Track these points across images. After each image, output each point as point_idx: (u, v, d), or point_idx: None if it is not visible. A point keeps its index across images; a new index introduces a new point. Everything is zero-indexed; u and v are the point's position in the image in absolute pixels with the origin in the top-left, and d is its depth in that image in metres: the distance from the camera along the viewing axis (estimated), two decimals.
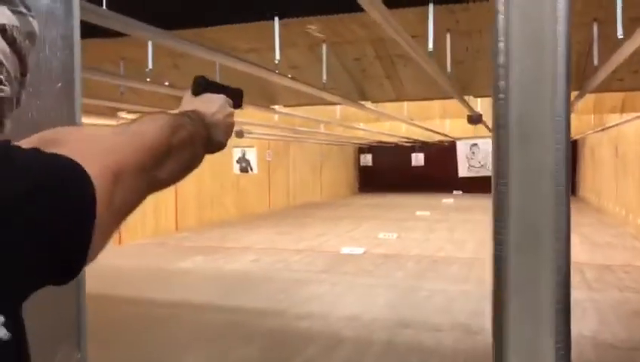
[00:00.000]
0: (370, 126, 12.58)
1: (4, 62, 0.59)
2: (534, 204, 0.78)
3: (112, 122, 7.85)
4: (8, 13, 0.59)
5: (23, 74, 0.65)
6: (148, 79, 4.60)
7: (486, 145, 8.83)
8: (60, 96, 1.60)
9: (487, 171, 8.88)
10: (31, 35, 0.64)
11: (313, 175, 19.48)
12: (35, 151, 0.58)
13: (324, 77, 5.17)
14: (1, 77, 0.59)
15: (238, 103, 1.08)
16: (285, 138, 13.70)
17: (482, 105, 8.75)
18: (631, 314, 5.15)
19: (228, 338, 4.58)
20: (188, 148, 0.83)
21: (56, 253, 0.55)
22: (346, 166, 23.43)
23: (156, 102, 6.70)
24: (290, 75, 4.63)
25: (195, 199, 12.00)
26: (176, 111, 0.99)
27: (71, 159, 0.59)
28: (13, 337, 0.51)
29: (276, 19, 4.10)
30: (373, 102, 6.62)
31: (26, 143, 0.63)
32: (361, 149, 23.35)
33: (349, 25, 4.62)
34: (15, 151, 0.56)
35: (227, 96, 1.04)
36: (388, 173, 23.70)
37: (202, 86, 1.02)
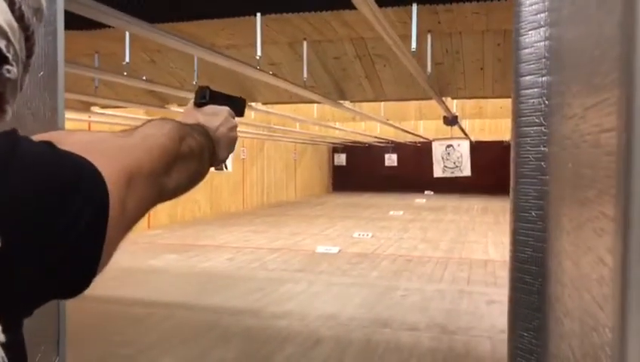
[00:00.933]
0: (346, 125, 12.61)
1: (12, 39, 0.53)
2: None
3: (85, 117, 7.66)
4: None
5: (29, 55, 0.59)
6: (125, 73, 4.49)
7: (461, 146, 8.93)
8: (41, 85, 1.53)
9: (461, 172, 9.00)
10: (39, 12, 0.58)
11: (287, 174, 19.43)
12: (48, 146, 0.53)
13: (305, 75, 5.14)
14: (8, 55, 0.53)
15: (240, 112, 1.05)
16: (260, 136, 13.62)
17: (457, 107, 8.85)
18: None
19: (205, 338, 4.52)
20: (195, 157, 0.79)
21: (66, 263, 0.50)
22: (319, 165, 23.45)
23: (131, 97, 6.57)
24: (270, 72, 4.58)
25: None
26: (179, 120, 0.96)
27: (85, 158, 0.53)
28: (13, 355, 0.46)
29: (258, 15, 4.06)
30: (352, 101, 6.62)
31: None
32: (335, 149, 23.42)
33: (330, 23, 4.60)
34: (25, 144, 0.51)
35: (230, 106, 1.01)
36: (361, 172, 23.82)
37: (206, 97, 0.97)
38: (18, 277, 0.46)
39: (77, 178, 0.52)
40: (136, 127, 0.74)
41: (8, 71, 0.53)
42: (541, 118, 0.89)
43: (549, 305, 0.80)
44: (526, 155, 0.93)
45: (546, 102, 0.87)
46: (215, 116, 0.94)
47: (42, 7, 0.59)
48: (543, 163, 0.90)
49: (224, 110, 0.97)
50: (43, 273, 0.48)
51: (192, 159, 0.78)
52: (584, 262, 0.49)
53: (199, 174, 0.82)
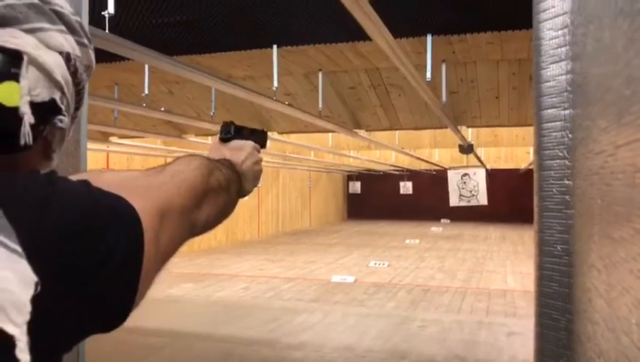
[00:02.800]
0: (360, 154, 12.64)
1: (66, 91, 0.57)
2: None
3: (104, 146, 7.78)
4: (73, 43, 0.58)
5: (77, 107, 0.62)
6: (144, 104, 4.57)
7: (476, 175, 8.87)
8: None
9: (478, 201, 8.92)
10: (89, 68, 0.62)
11: (302, 202, 19.44)
12: (84, 185, 0.54)
13: (320, 105, 5.18)
14: (62, 106, 0.56)
15: (263, 144, 1.08)
16: (276, 164, 13.69)
17: (472, 135, 8.84)
18: None
19: None
20: (224, 192, 0.81)
21: (103, 300, 0.51)
22: (334, 193, 23.44)
23: (149, 127, 6.67)
24: (286, 103, 4.63)
25: None
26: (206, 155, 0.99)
27: (120, 196, 0.55)
28: None
29: (275, 47, 4.12)
30: (367, 130, 6.64)
31: None
32: (350, 177, 23.43)
33: (345, 53, 4.66)
34: (64, 184, 0.53)
35: (253, 139, 1.03)
36: (376, 200, 23.75)
37: (231, 132, 1.00)
38: (57, 316, 0.47)
39: (113, 215, 0.53)
40: (166, 165, 0.76)
41: (61, 121, 0.56)
42: (564, 152, 0.88)
43: (579, 344, 0.78)
44: (549, 189, 0.92)
45: (570, 135, 0.87)
46: (240, 150, 0.97)
47: (92, 65, 0.62)
48: (567, 196, 0.88)
49: (249, 144, 0.99)
50: (81, 310, 0.49)
51: (220, 193, 0.80)
52: (620, 303, 0.48)
53: (228, 207, 0.84)
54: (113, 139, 7.14)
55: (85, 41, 0.60)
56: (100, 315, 0.52)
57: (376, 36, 2.28)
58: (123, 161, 10.20)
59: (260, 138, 1.04)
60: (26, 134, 0.52)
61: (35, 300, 0.44)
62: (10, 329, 0.42)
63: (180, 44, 3.87)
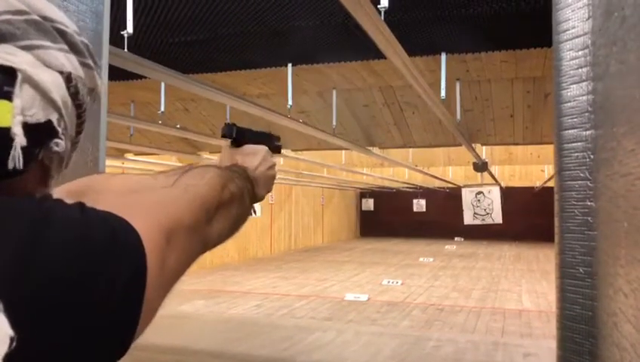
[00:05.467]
0: (374, 171, 12.64)
1: (64, 113, 0.52)
2: None
3: (119, 163, 7.86)
4: (76, 63, 0.54)
5: (78, 132, 0.58)
6: (160, 121, 4.62)
7: (491, 193, 8.80)
8: (84, 136, 1.57)
9: (492, 219, 8.84)
10: (94, 92, 0.58)
11: (315, 219, 19.41)
12: (79, 211, 0.49)
13: (334, 122, 5.20)
14: (59, 129, 0.52)
15: (277, 148, 1.04)
16: (289, 181, 13.72)
17: (487, 153, 8.80)
18: None
19: None
20: (237, 203, 0.77)
21: (101, 342, 0.46)
22: (347, 210, 23.38)
23: (164, 144, 6.73)
24: (300, 120, 4.65)
25: None
26: (216, 162, 0.95)
27: (120, 219, 0.50)
28: None
29: (289, 65, 4.16)
30: (380, 148, 6.64)
31: (55, 193, 0.56)
32: (363, 194, 23.38)
33: (359, 72, 4.68)
34: (56, 214, 0.47)
35: (267, 143, 1.00)
36: (389, 218, 23.64)
37: (233, 134, 0.96)
38: (54, 358, 0.42)
39: (111, 244, 0.48)
40: (178, 174, 0.72)
41: (57, 144, 0.52)
42: (586, 173, 0.87)
43: None
44: (571, 210, 0.91)
45: (592, 156, 0.86)
46: (254, 156, 0.94)
47: (98, 89, 0.59)
48: (589, 218, 0.87)
49: (262, 148, 0.96)
50: (75, 355, 0.44)
51: (233, 204, 0.76)
52: None
53: (241, 218, 0.80)
54: (128, 155, 7.21)
55: (90, 62, 0.57)
56: (97, 355, 0.47)
57: (391, 55, 2.29)
58: (143, 174, 10.27)
59: (267, 141, 1.01)
60: (15, 157, 0.47)
61: (10, 358, 0.38)
62: None
63: (195, 62, 3.92)
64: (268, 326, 6.71)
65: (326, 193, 20.25)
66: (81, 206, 0.49)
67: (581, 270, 0.89)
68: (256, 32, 3.30)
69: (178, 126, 4.99)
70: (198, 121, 6.10)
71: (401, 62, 2.42)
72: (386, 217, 23.63)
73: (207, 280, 10.36)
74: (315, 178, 12.81)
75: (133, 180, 0.80)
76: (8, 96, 0.47)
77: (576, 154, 0.90)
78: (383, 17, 2.05)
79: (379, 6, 2.12)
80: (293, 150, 6.76)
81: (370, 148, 6.39)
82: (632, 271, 0.57)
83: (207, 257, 12.45)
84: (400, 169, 12.61)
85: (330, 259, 14.81)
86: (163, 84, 4.52)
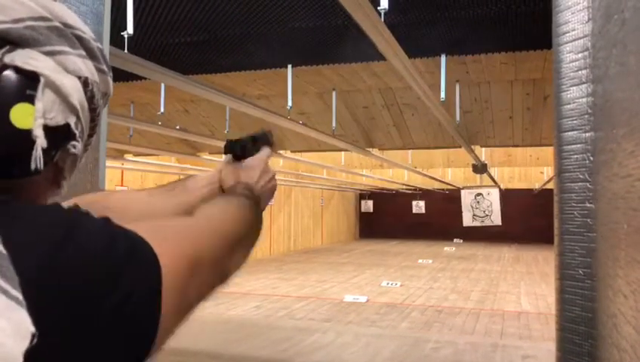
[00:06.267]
0: (373, 172, 12.64)
1: (82, 116, 0.55)
2: None
3: (118, 164, 7.86)
4: (93, 68, 0.56)
5: (91, 135, 0.60)
6: (159, 122, 4.62)
7: (490, 195, 8.81)
8: None
9: (492, 221, 8.84)
10: (106, 96, 0.60)
11: (314, 220, 19.41)
12: (104, 224, 0.50)
13: (334, 124, 5.21)
14: (76, 132, 0.54)
15: (271, 145, 1.02)
16: (288, 183, 13.72)
17: (486, 155, 8.81)
18: None
19: None
20: (252, 232, 0.78)
21: (115, 353, 0.47)
22: (346, 212, 23.38)
23: (164, 145, 6.73)
24: (300, 122, 4.65)
25: None
26: (217, 172, 0.95)
27: (141, 238, 0.51)
28: None
29: (289, 66, 4.16)
30: (380, 149, 6.65)
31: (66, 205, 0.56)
32: (362, 195, 23.39)
33: (359, 73, 4.69)
34: (83, 225, 0.49)
35: (266, 145, 0.99)
36: (389, 219, 23.65)
37: (238, 152, 0.95)
38: (69, 358, 0.44)
39: (130, 258, 0.49)
40: (199, 201, 0.74)
41: (74, 146, 0.54)
42: (586, 174, 0.87)
43: None
44: (570, 211, 0.91)
45: (591, 158, 0.86)
46: (253, 170, 0.93)
47: (110, 92, 0.61)
48: (589, 220, 0.88)
49: (261, 161, 0.95)
50: (96, 353, 0.45)
51: (250, 236, 0.77)
52: None
53: (253, 246, 0.81)
54: (128, 156, 7.21)
55: (104, 67, 0.59)
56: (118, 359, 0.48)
57: (391, 56, 2.30)
58: (137, 178, 10.28)
59: (266, 142, 0.99)
60: (37, 158, 0.50)
61: (30, 353, 0.40)
62: None
63: (195, 63, 3.92)
64: (267, 327, 6.70)
65: (325, 194, 20.25)
66: (106, 220, 0.51)
67: (580, 271, 0.89)
68: (256, 34, 3.30)
69: (178, 127, 4.99)
70: (197, 122, 6.10)
71: (401, 64, 2.42)
72: (386, 219, 23.63)
73: None
74: (314, 179, 12.82)
75: (149, 200, 0.82)
76: (31, 100, 0.49)
77: (575, 156, 0.90)
78: (382, 19, 2.06)
79: (379, 7, 2.13)
80: (292, 151, 6.76)
81: (370, 149, 6.40)
82: (632, 272, 0.57)
83: None
84: (399, 170, 12.62)
85: (330, 260, 14.80)
86: (163, 85, 4.52)
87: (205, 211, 0.70)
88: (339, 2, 1.72)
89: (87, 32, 0.56)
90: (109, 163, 7.45)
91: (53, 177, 0.56)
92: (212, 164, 8.11)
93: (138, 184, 10.34)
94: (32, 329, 0.40)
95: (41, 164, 0.50)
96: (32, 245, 0.44)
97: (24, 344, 0.39)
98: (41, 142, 0.50)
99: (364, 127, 6.04)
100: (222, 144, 1.02)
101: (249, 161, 0.95)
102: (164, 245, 0.52)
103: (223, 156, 0.99)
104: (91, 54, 0.56)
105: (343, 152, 8.65)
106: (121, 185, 9.81)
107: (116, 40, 2.68)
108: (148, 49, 3.40)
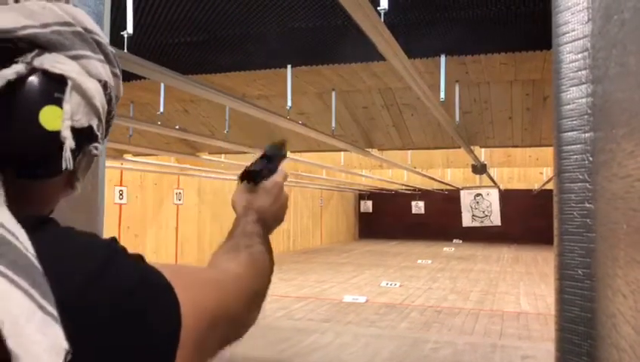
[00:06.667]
0: (372, 173, 12.64)
1: (102, 119, 0.56)
2: None
3: (118, 164, 7.85)
4: (109, 72, 0.57)
5: (104, 136, 0.61)
6: (159, 122, 4.62)
7: (490, 195, 8.81)
8: None
9: (491, 222, 8.84)
10: (117, 99, 0.62)
11: (314, 220, 19.41)
12: (138, 262, 0.53)
13: (333, 124, 5.20)
14: (98, 134, 0.55)
15: (284, 156, 1.00)
16: (287, 183, 13.69)
17: (485, 155, 8.81)
18: None
19: None
20: (267, 278, 0.80)
21: None
22: (346, 212, 23.38)
23: (163, 145, 6.73)
24: (299, 122, 4.65)
25: (195, 242, 11.90)
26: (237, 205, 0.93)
27: (167, 281, 0.53)
28: None
29: (289, 67, 4.16)
30: (379, 150, 6.65)
31: None
32: (362, 196, 23.39)
33: (359, 74, 4.69)
34: (119, 259, 0.51)
35: (280, 162, 0.96)
36: (388, 220, 23.65)
37: (261, 176, 0.92)
38: None
39: (156, 296, 0.51)
40: (232, 255, 0.76)
41: (96, 148, 0.55)
42: (585, 175, 0.87)
43: None
44: (570, 212, 0.91)
45: (591, 158, 0.86)
46: (267, 195, 0.91)
47: (120, 96, 0.62)
48: (588, 220, 0.88)
49: (276, 185, 0.92)
50: None
51: (266, 286, 0.79)
52: None
53: (266, 293, 0.82)
54: (127, 156, 7.21)
55: (118, 71, 0.60)
56: None
57: (391, 56, 2.30)
58: (136, 178, 10.28)
59: (279, 155, 0.97)
60: (67, 159, 0.51)
61: None
62: None
63: (195, 63, 3.92)
64: (266, 327, 6.70)
65: (325, 195, 20.25)
66: (141, 257, 0.54)
67: (580, 271, 0.89)
68: (256, 34, 3.30)
69: (177, 127, 4.99)
70: (197, 122, 6.10)
71: (401, 64, 2.42)
72: (385, 219, 23.63)
73: None
74: (313, 179, 12.82)
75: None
76: (59, 102, 0.50)
77: (575, 156, 0.90)
78: (382, 19, 2.06)
79: (378, 8, 2.13)
80: (292, 151, 6.76)
81: (369, 149, 6.40)
82: (631, 272, 0.58)
83: (207, 258, 12.41)
84: (399, 171, 12.62)
85: (329, 260, 14.80)
86: (162, 85, 4.52)
87: (230, 264, 0.73)
88: (338, 2, 1.72)
89: (103, 36, 0.58)
90: (108, 163, 7.45)
91: (67, 179, 0.57)
92: (211, 164, 8.11)
93: (137, 184, 10.34)
94: (66, 346, 0.41)
95: (70, 165, 0.52)
96: (69, 273, 0.46)
97: (58, 360, 0.40)
98: (69, 143, 0.51)
99: (363, 128, 6.04)
100: (221, 144, 1.01)
101: (265, 184, 0.92)
102: (188, 293, 0.54)
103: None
104: (108, 59, 0.58)
105: (342, 152, 8.65)
106: (120, 185, 9.81)
107: (116, 40, 2.68)
108: (148, 49, 3.40)
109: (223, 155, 7.50)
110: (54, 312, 0.42)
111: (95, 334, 0.45)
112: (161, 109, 4.58)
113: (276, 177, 0.93)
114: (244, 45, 3.55)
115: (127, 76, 3.75)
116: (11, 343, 0.39)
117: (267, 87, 5.03)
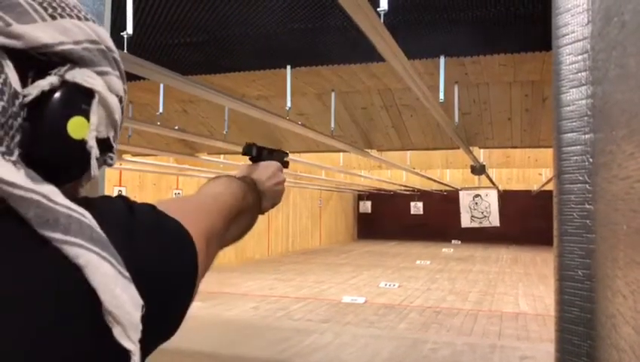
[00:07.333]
0: (371, 173, 12.65)
1: (118, 131, 0.60)
2: None
3: (117, 164, 7.84)
4: (122, 89, 0.61)
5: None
6: (158, 123, 4.62)
7: (489, 196, 8.82)
8: None
9: (490, 222, 8.86)
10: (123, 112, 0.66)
11: (312, 221, 19.40)
12: (152, 211, 0.60)
13: (333, 125, 5.21)
14: (114, 145, 0.59)
15: (286, 164, 1.15)
16: (286, 183, 13.69)
17: (484, 156, 8.82)
18: None
19: None
20: (248, 213, 0.88)
21: (171, 319, 0.58)
22: (345, 213, 23.38)
23: (163, 145, 6.73)
24: (299, 122, 4.65)
25: None
26: (233, 173, 1.03)
27: (178, 221, 0.61)
28: None
29: (288, 67, 4.16)
30: (378, 150, 6.65)
31: None
32: (361, 196, 23.38)
33: (358, 74, 4.69)
34: (138, 211, 0.58)
35: (279, 160, 1.10)
36: (387, 220, 23.65)
37: (253, 153, 1.08)
38: (151, 334, 0.53)
39: (176, 240, 0.61)
40: (206, 184, 0.85)
41: (111, 158, 0.59)
42: (585, 176, 0.88)
43: None
44: (570, 213, 0.92)
45: (590, 159, 0.86)
46: (265, 170, 1.04)
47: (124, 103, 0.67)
48: (588, 221, 0.88)
49: (273, 164, 1.06)
50: (160, 328, 0.57)
51: (246, 215, 0.87)
52: None
53: (248, 228, 0.91)
54: (126, 156, 7.20)
55: (126, 87, 0.63)
56: (166, 331, 0.60)
57: (390, 57, 2.30)
58: (135, 178, 10.27)
59: (280, 157, 1.11)
60: (94, 166, 0.55)
61: (141, 320, 0.50)
62: (128, 345, 0.49)
63: (194, 63, 3.92)
64: (265, 328, 6.70)
65: (324, 195, 20.25)
66: (152, 207, 0.62)
67: (580, 272, 0.89)
68: (256, 34, 3.31)
69: (177, 127, 4.99)
70: (196, 123, 6.10)
71: (400, 65, 2.43)
72: (384, 220, 23.63)
73: (203, 282, 10.27)
74: (312, 180, 12.82)
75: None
76: (86, 114, 0.54)
77: (575, 157, 0.90)
78: (382, 20, 2.06)
79: (378, 9, 2.13)
80: (291, 152, 6.76)
81: (368, 150, 6.40)
82: (631, 272, 0.58)
83: None
84: (398, 171, 12.63)
85: (328, 261, 14.80)
86: (162, 86, 4.52)
87: (213, 188, 0.82)
88: (338, 3, 1.72)
89: (118, 54, 0.62)
90: None
91: (75, 184, 0.61)
92: (210, 165, 8.11)
93: (136, 184, 10.34)
94: (141, 301, 0.51)
95: (96, 171, 0.57)
96: (115, 229, 0.53)
97: (139, 313, 0.50)
98: (95, 152, 0.55)
99: (362, 128, 6.04)
100: (220, 144, 1.14)
101: (263, 163, 1.07)
102: (188, 222, 0.62)
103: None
104: (122, 75, 0.62)
105: (341, 153, 8.65)
106: (119, 186, 9.80)
107: (116, 40, 2.67)
108: (147, 49, 3.40)
109: (222, 156, 7.50)
110: (128, 275, 0.50)
111: (148, 284, 0.53)
112: (161, 110, 4.58)
113: (275, 162, 1.08)
114: (243, 46, 3.55)
115: (127, 76, 3.75)
116: (108, 304, 0.48)
117: (266, 88, 5.03)
